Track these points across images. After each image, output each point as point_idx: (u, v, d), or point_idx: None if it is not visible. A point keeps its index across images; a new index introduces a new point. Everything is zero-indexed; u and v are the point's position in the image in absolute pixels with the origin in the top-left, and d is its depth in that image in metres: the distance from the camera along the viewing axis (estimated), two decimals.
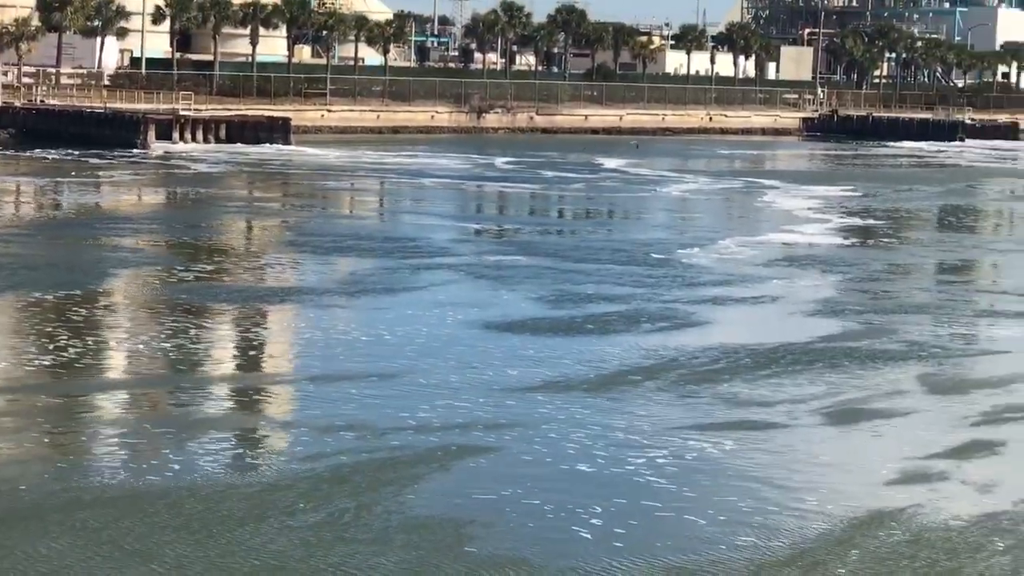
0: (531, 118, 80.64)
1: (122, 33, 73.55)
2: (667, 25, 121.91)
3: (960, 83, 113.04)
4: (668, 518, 11.26)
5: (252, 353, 18.54)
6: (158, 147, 57.22)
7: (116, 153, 53.61)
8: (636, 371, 16.65)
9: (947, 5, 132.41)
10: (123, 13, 70.69)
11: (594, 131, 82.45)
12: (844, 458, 13.40)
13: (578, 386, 15.68)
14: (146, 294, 22.08)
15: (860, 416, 14.85)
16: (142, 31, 74.05)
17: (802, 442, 13.79)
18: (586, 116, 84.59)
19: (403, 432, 13.76)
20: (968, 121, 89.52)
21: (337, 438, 13.43)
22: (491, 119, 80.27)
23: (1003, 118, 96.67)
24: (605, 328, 19.74)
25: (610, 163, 57.27)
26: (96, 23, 69.76)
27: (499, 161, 56.82)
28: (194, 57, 78.72)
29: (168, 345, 17.78)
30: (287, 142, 63.19)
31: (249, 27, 73.62)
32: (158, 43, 75.40)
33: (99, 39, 71.03)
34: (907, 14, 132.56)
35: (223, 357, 18.04)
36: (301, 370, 17.21)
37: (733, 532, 10.90)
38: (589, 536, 10.57)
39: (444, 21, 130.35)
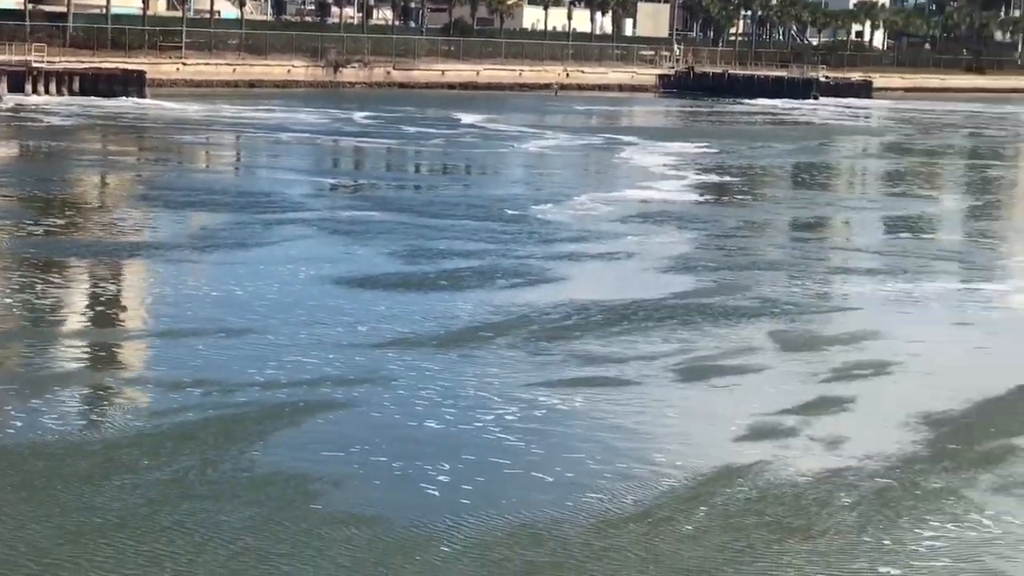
0: (388, 73, 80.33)
1: None
2: None
3: (815, 41, 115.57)
4: (517, 475, 11.14)
5: (99, 309, 18.01)
6: (10, 99, 56.20)
7: None
8: (487, 327, 16.45)
9: None
10: None
11: (451, 86, 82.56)
12: (695, 415, 13.32)
13: (428, 342, 15.45)
14: None
15: (712, 373, 14.75)
16: None
17: (653, 399, 13.66)
18: (443, 71, 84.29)
19: (251, 388, 13.44)
20: (822, 79, 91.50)
21: (184, 395, 13.08)
22: (348, 74, 79.67)
23: (856, 76, 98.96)
24: (457, 284, 19.49)
25: (468, 118, 57.07)
26: None
27: (357, 116, 56.29)
28: (47, 8, 74.81)
29: (13, 300, 17.35)
30: (142, 95, 62.05)
31: None
32: None
33: None
34: None
35: (70, 312, 17.56)
36: (149, 326, 16.75)
37: (581, 489, 10.82)
38: (436, 493, 10.39)
39: None
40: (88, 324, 17.30)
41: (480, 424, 12.41)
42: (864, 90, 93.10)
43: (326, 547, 9.40)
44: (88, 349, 15.82)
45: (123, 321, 17.55)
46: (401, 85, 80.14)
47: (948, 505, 10.54)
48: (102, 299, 18.81)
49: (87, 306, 18.15)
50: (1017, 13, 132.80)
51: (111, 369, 15.21)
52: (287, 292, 18.69)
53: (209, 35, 77.31)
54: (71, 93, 61.97)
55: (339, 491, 10.47)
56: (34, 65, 61.77)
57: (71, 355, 15.24)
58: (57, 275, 19.60)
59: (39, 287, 18.33)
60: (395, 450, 11.52)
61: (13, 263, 19.89)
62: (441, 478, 10.79)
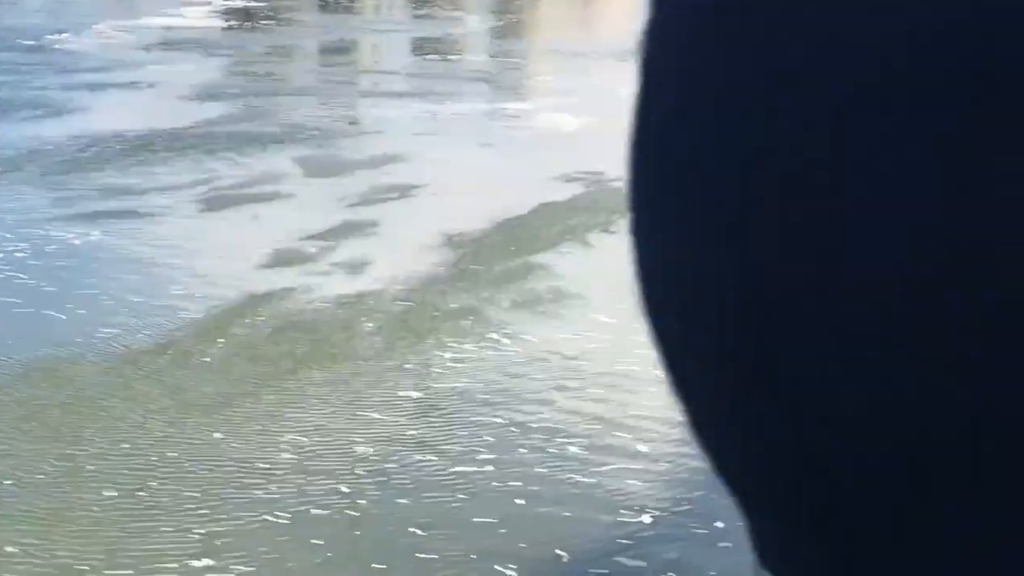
0: None
1: None
2: None
3: None
4: (28, 314, 10.53)
5: None
6: None
7: None
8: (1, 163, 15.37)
9: None
10: None
11: None
12: (216, 245, 12.74)
13: None
14: None
15: (236, 201, 14.14)
16: None
17: (173, 231, 13.00)
18: None
19: None
20: None
21: None
22: None
23: None
24: None
25: None
26: None
27: None
28: None
29: None
30: None
31: None
32: None
33: None
34: None
35: None
36: None
37: (95, 325, 10.29)
38: None
39: None
40: None
41: None
42: None
43: None
44: None
45: None
46: None
47: (468, 325, 10.59)
48: None
49: None
50: None
51: None
52: None
53: None
54: None
55: None
56: None
57: None
58: None
59: None
60: None
61: None
62: None
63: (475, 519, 7.23)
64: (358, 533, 7.05)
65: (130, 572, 6.65)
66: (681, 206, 0.74)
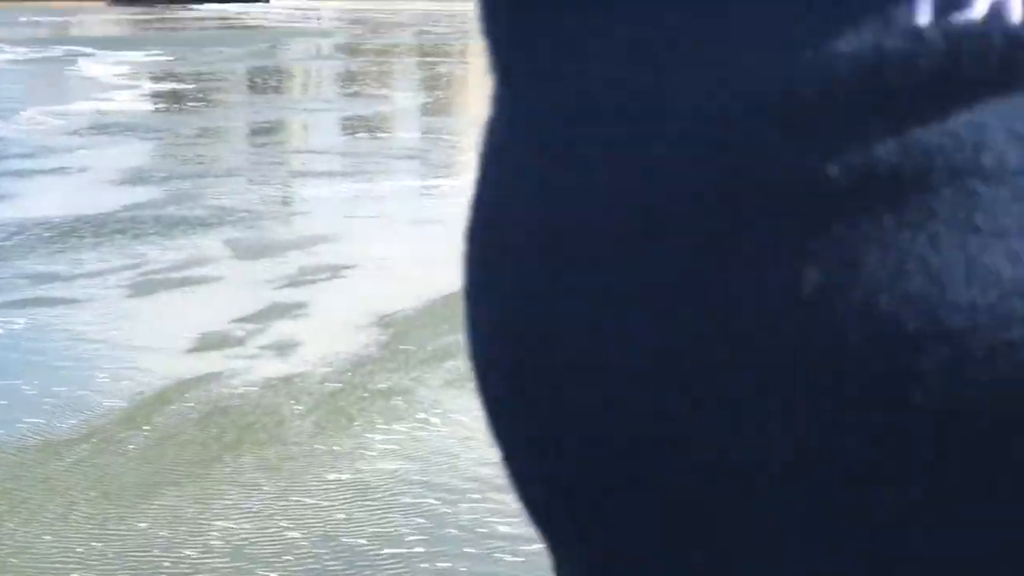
0: None
1: None
2: None
3: None
4: None
5: None
6: None
7: None
8: None
9: None
10: None
11: None
12: (142, 330, 12.66)
13: None
14: None
15: (163, 286, 14.15)
16: None
17: (101, 316, 13.02)
18: None
19: None
20: None
21: None
22: None
23: None
24: None
25: None
26: None
27: None
28: None
29: None
30: None
31: None
32: None
33: None
34: None
35: None
36: None
37: (20, 413, 10.33)
38: None
39: None
40: None
41: None
42: None
43: None
44: None
45: None
46: None
47: (399, 405, 10.61)
48: None
49: None
50: None
51: None
52: None
53: None
54: None
55: None
56: None
57: None
58: None
59: None
60: None
61: None
62: None
63: None
64: None
65: None
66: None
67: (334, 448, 9.80)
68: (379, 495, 8.95)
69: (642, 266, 0.72)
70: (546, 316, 0.77)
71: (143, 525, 8.20)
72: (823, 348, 0.66)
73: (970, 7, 0.62)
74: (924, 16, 0.63)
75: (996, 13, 0.62)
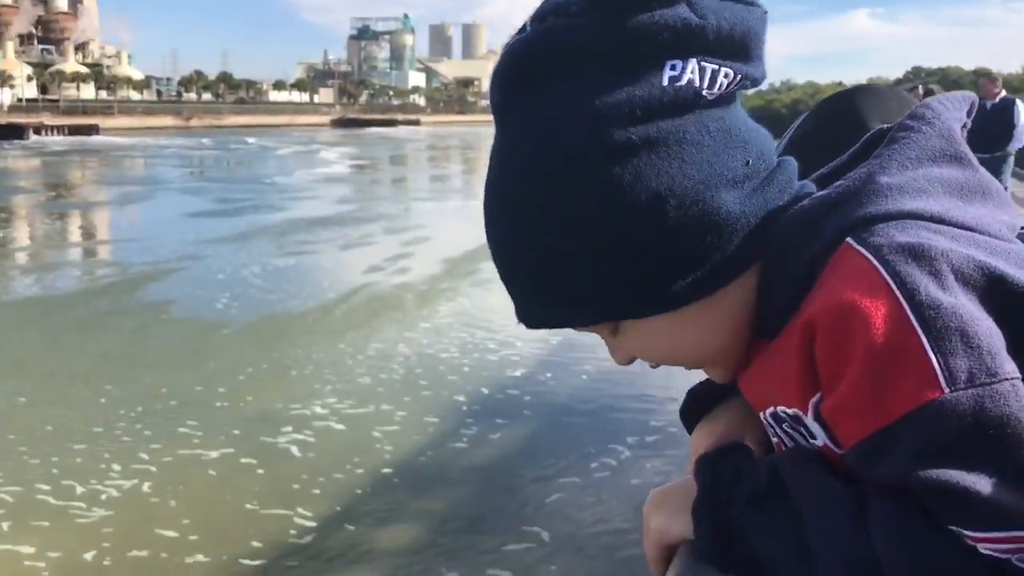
0: (211, 121, 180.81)
1: None
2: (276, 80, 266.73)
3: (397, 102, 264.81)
4: None
5: None
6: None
7: None
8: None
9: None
10: None
11: (241, 126, 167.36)
12: (344, 265, 25.15)
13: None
14: None
15: (355, 246, 28.51)
16: None
17: (327, 260, 26.45)
18: (236, 121, 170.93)
19: None
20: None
21: None
22: (195, 122, 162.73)
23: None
24: (239, 213, 36.68)
25: (251, 140, 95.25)
26: None
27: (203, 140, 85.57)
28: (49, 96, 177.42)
29: None
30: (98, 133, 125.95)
31: None
32: None
33: None
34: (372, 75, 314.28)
35: None
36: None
37: (289, 300, 19.60)
38: None
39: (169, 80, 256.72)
40: None
41: None
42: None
43: None
44: None
45: None
46: (217, 126, 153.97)
47: (451, 295, 21.95)
48: None
49: None
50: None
51: None
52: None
53: (129, 107, 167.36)
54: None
55: None
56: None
57: None
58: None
59: None
60: None
61: None
62: None
63: None
64: None
65: None
66: None
67: (424, 312, 18.69)
68: (445, 333, 16.85)
69: None
70: None
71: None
72: None
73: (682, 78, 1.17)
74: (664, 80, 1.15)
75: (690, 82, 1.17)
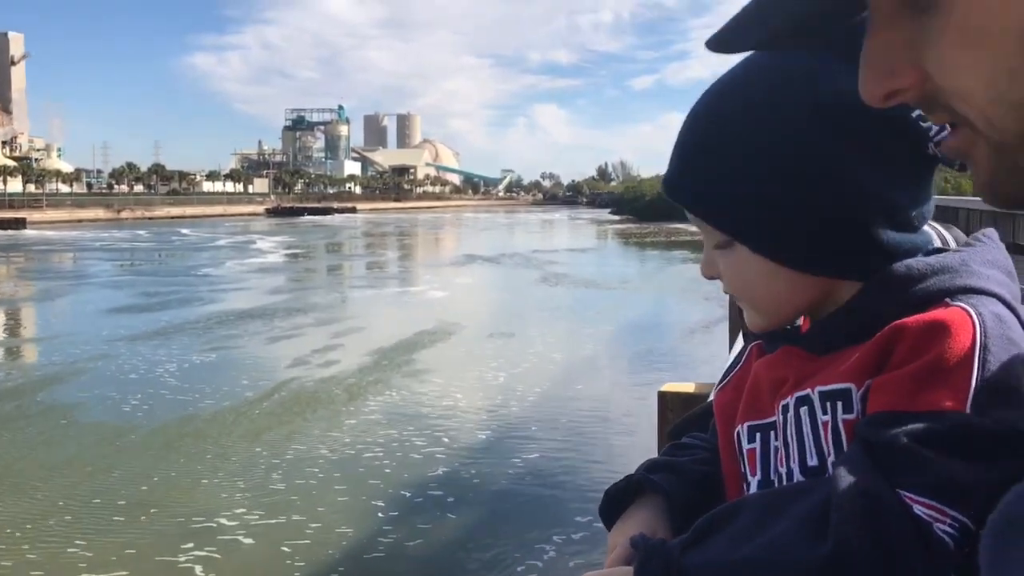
0: (142, 213, 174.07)
1: None
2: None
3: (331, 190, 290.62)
4: None
5: None
6: None
7: None
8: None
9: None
10: None
11: (173, 217, 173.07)
12: (272, 356, 25.40)
13: None
14: None
15: (283, 338, 29.30)
16: None
17: (254, 351, 26.94)
18: (168, 212, 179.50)
19: None
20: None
21: None
22: (125, 214, 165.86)
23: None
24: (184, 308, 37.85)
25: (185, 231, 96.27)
26: None
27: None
28: None
29: None
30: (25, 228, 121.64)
31: None
32: None
33: None
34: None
35: None
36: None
37: (214, 396, 19.61)
38: None
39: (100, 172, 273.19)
40: None
41: None
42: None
43: None
44: None
45: None
46: (149, 218, 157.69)
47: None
48: None
49: None
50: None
51: None
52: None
53: (58, 200, 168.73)
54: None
55: None
56: None
57: None
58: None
59: None
60: None
61: None
62: None
63: None
64: None
65: None
66: None
67: (351, 408, 19.96)
68: (371, 430, 16.84)
69: None
70: None
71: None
72: None
73: None
74: None
75: None
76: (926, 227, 1.57)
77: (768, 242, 1.51)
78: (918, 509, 1.28)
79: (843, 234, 1.47)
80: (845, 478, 1.31)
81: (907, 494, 1.29)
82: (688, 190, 1.56)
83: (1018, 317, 1.42)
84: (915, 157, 1.48)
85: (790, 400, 1.52)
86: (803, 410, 1.49)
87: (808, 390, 1.49)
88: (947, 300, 1.42)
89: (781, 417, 1.54)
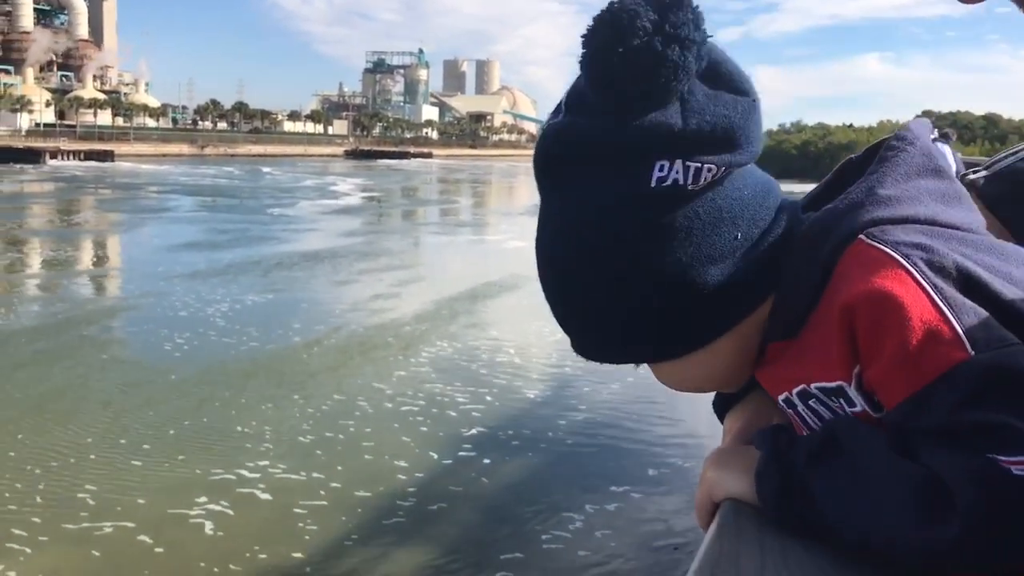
0: (226, 150, 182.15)
1: None
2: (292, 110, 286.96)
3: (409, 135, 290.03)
4: None
5: None
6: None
7: None
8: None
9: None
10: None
11: (255, 155, 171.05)
12: (339, 295, 25.24)
13: None
14: None
15: (355, 278, 29.15)
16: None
17: (323, 289, 27.09)
18: (251, 150, 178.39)
19: None
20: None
21: None
22: (209, 150, 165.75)
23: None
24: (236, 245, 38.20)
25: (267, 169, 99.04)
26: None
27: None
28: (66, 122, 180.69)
29: None
30: (113, 160, 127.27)
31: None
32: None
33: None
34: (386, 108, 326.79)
35: None
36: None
37: (284, 331, 19.66)
38: None
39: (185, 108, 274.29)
40: None
41: None
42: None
43: None
44: None
45: None
46: (232, 155, 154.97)
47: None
48: None
49: None
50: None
51: None
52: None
53: (144, 134, 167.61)
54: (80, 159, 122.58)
55: None
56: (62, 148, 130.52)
57: None
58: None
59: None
60: None
61: None
62: None
63: None
64: None
65: None
66: None
67: (401, 358, 17.59)
68: (416, 383, 15.81)
69: None
70: None
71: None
72: None
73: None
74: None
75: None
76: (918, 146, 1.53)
77: (664, 348, 1.50)
78: (1017, 470, 1.24)
79: (688, 306, 1.45)
80: (944, 459, 1.27)
81: (1000, 459, 1.25)
82: (588, 351, 1.54)
83: (943, 224, 1.43)
84: (688, 205, 1.43)
85: (792, 395, 1.52)
86: (812, 402, 1.49)
87: (804, 385, 1.49)
88: (861, 238, 1.39)
89: (789, 410, 1.55)
